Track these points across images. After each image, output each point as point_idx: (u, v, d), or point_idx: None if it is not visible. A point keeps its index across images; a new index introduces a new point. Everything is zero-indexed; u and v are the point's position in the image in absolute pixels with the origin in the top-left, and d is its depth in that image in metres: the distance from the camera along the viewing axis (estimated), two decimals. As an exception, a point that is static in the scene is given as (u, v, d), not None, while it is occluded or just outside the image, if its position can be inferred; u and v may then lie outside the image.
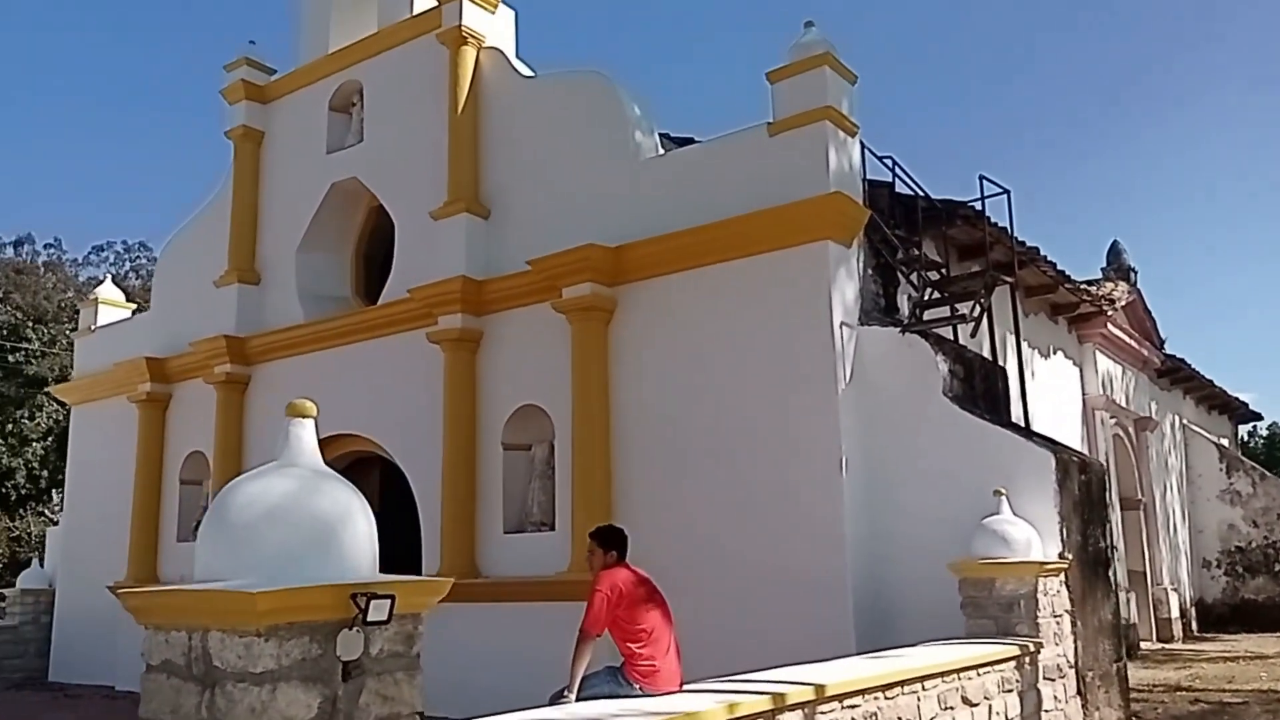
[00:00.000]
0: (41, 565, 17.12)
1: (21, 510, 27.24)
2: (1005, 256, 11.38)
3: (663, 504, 9.64)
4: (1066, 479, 8.60)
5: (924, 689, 6.00)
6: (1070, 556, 8.31)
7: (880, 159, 10.17)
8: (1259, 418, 29.21)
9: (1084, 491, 8.89)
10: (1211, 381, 21.85)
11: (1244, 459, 21.86)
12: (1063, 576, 8.17)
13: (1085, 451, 14.79)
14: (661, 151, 10.65)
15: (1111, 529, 9.88)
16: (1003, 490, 8.14)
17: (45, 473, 26.28)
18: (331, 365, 12.54)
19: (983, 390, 9.76)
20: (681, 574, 9.19)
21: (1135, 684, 10.59)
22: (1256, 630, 18.49)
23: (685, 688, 5.13)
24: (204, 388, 13.79)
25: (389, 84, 12.79)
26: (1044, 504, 8.35)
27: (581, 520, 9.43)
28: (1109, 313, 16.04)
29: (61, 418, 24.16)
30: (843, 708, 5.14)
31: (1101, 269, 19.07)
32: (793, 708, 4.76)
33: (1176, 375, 20.54)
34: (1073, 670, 8.05)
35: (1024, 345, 11.67)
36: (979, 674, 6.70)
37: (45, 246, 30.39)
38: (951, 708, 6.24)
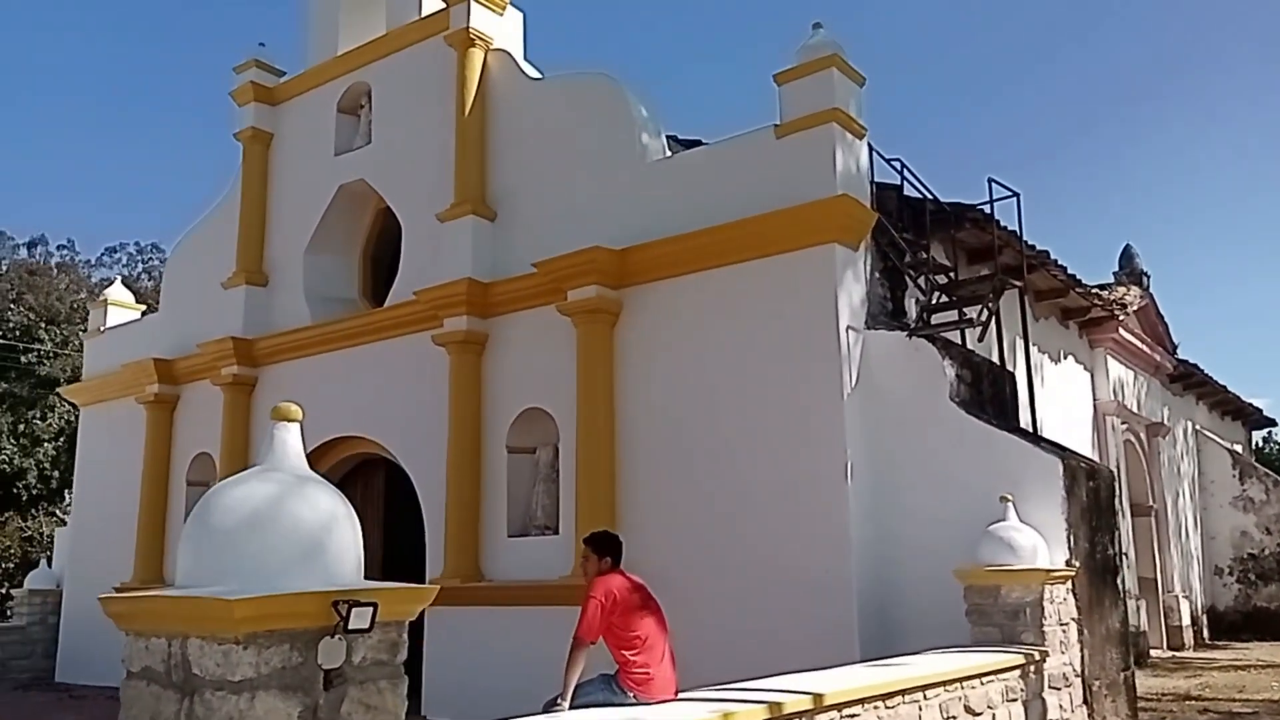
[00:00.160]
0: (49, 566, 17.18)
1: (34, 510, 27.36)
2: (1015, 260, 11.29)
3: (667, 508, 9.59)
4: (1074, 485, 8.50)
5: (925, 698, 5.93)
6: (1078, 564, 8.22)
7: (888, 161, 10.10)
8: (1273, 424, 28.92)
9: (1092, 498, 8.80)
10: (1225, 387, 21.65)
11: (1257, 465, 21.63)
12: (1070, 584, 8.08)
13: (1096, 457, 14.67)
14: (668, 154, 10.61)
15: (1120, 536, 9.78)
16: (1009, 496, 8.06)
17: (56, 473, 26.39)
18: (338, 367, 12.54)
19: (990, 395, 9.67)
20: (686, 578, 9.18)
21: (1144, 692, 10.47)
22: (1269, 639, 18.30)
23: (680, 696, 5.08)
24: (211, 389, 13.81)
25: (397, 86, 12.78)
26: (1051, 510, 8.27)
27: (585, 524, 9.36)
28: (1120, 317, 15.89)
29: (73, 418, 24.24)
30: (841, 717, 5.07)
31: (1114, 273, 18.92)
32: (789, 718, 4.70)
33: (1189, 381, 20.35)
34: (1079, 679, 7.96)
35: (1033, 350, 11.56)
36: (982, 683, 6.62)
37: (58, 248, 30.60)
38: (954, 717, 6.16)
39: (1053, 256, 12.80)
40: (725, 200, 9.60)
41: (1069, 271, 13.54)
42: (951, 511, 8.45)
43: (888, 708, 5.50)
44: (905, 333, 9.34)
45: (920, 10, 55.12)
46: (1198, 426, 21.08)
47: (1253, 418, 25.22)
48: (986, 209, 10.69)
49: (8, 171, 51.65)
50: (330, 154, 13.30)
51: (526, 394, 10.83)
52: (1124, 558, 13.46)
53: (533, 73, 11.89)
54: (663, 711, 4.56)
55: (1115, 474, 11.11)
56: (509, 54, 11.95)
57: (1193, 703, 10.53)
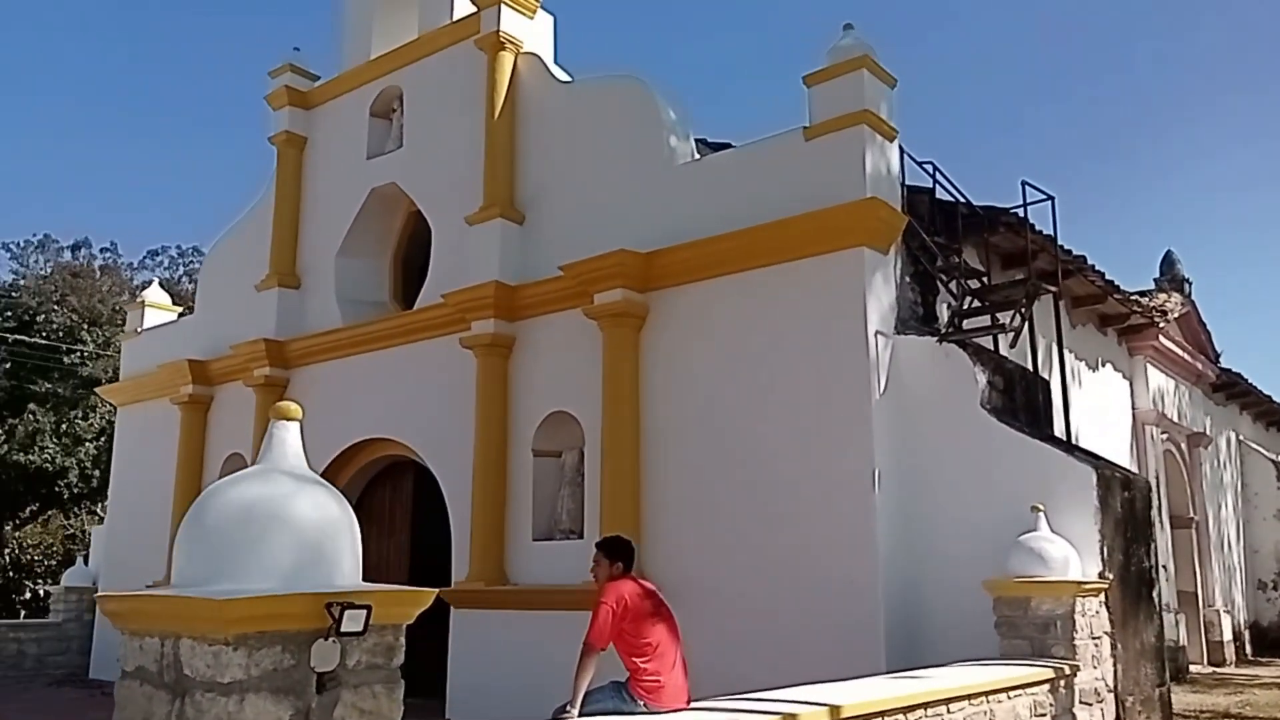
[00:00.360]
0: (86, 564, 17.44)
1: (75, 509, 27.82)
2: (1050, 265, 11.06)
3: (692, 513, 9.50)
4: (1109, 495, 8.30)
5: (949, 711, 5.79)
6: (1111, 576, 8.02)
7: (920, 164, 9.94)
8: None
9: (1127, 509, 8.58)
10: (1270, 397, 21.12)
11: (1304, 477, 21.05)
12: (1103, 597, 7.88)
13: (1135, 468, 14.34)
14: (696, 156, 10.54)
15: (1157, 548, 9.52)
16: (1041, 506, 7.89)
17: (97, 472, 26.81)
18: (368, 369, 12.61)
19: (1023, 402, 9.47)
20: (710, 585, 9.10)
21: (1182, 709, 10.20)
22: (1315, 655, 17.79)
23: (692, 705, 4.98)
24: (244, 390, 13.93)
25: (428, 90, 12.83)
26: (1084, 521, 8.08)
27: (610, 529, 9.27)
28: (1161, 324, 15.55)
29: (113, 418, 24.65)
30: (859, 730, 4.96)
31: (1154, 279, 18.50)
32: (805, 729, 4.60)
33: (1232, 390, 19.88)
34: (1112, 695, 7.76)
35: (1069, 357, 11.33)
36: (1009, 696, 6.47)
37: (101, 250, 31.07)
38: (979, 732, 6.02)
39: (1090, 262, 12.55)
40: (753, 203, 9.50)
41: (1107, 277, 13.27)
42: (981, 521, 8.29)
43: (908, 721, 5.38)
44: (936, 338, 9.17)
45: (959, 11, 54.57)
46: (1241, 437, 20.58)
47: (1299, 429, 24.56)
48: (1020, 213, 10.49)
49: (53, 176, 52.78)
50: (362, 157, 13.38)
51: (552, 397, 10.80)
52: (1162, 570, 13.16)
53: (562, 76, 11.88)
54: (674, 721, 4.47)
55: (1154, 485, 10.84)
56: (539, 57, 11.95)
57: (1232, 720, 10.24)
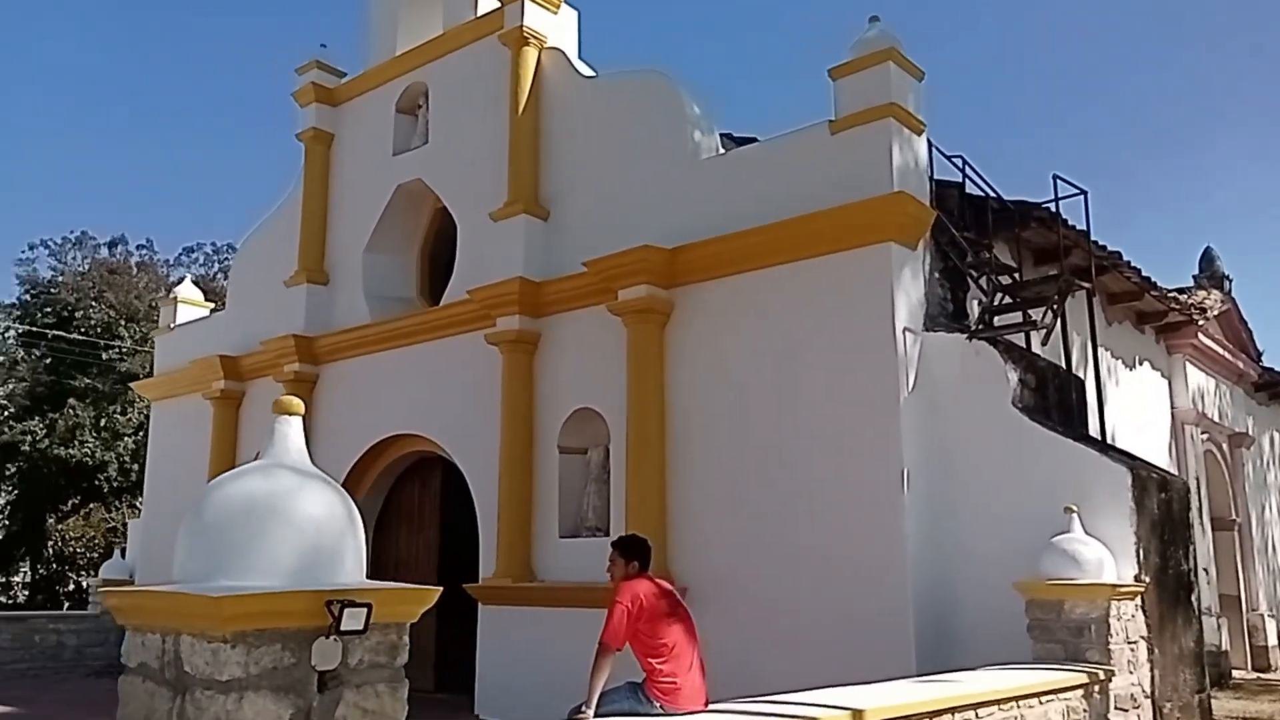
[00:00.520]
0: (123, 556, 17.64)
1: (116, 502, 28.25)
2: (1084, 261, 10.84)
3: (718, 511, 9.40)
4: (1144, 496, 8.09)
5: (977, 716, 5.65)
6: (1147, 579, 7.81)
7: (949, 159, 9.77)
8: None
9: (1164, 510, 8.37)
10: (1315, 396, 20.60)
11: (1350, 479, 20.52)
12: (1139, 600, 7.68)
13: (1174, 468, 14.04)
14: (721, 151, 10.42)
15: (1197, 550, 9.28)
16: (1074, 507, 7.70)
17: (136, 466, 27.20)
18: (396, 365, 12.63)
19: (1056, 401, 9.27)
20: (736, 584, 9.00)
21: (1224, 715, 9.95)
22: (1363, 662, 17.30)
23: (709, 707, 4.89)
24: (275, 386, 14.00)
25: (453, 86, 12.82)
26: (1119, 523, 7.88)
27: (635, 526, 9.22)
28: (1200, 322, 15.20)
29: (149, 413, 24.98)
30: (883, 735, 4.84)
31: (1194, 276, 18.11)
32: (825, 733, 4.49)
33: (1275, 390, 19.42)
34: (1149, 700, 7.56)
35: (1105, 355, 11.10)
36: (1041, 702, 6.31)
37: (138, 247, 31.51)
38: (1008, 737, 5.87)
39: (1125, 258, 12.28)
40: (779, 198, 9.37)
41: (1143, 274, 12.98)
42: (1013, 522, 8.11)
43: (934, 726, 5.25)
44: (965, 335, 9.00)
45: (993, 4, 53.85)
46: (1285, 438, 20.11)
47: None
48: (1052, 207, 10.28)
49: (92, 174, 53.63)
50: (389, 154, 13.41)
51: (578, 394, 10.74)
52: (1203, 574, 12.85)
53: (586, 71, 11.81)
54: (691, 723, 4.39)
55: (1193, 486, 10.58)
56: (563, 52, 11.89)
57: (1275, 728, 9.98)
